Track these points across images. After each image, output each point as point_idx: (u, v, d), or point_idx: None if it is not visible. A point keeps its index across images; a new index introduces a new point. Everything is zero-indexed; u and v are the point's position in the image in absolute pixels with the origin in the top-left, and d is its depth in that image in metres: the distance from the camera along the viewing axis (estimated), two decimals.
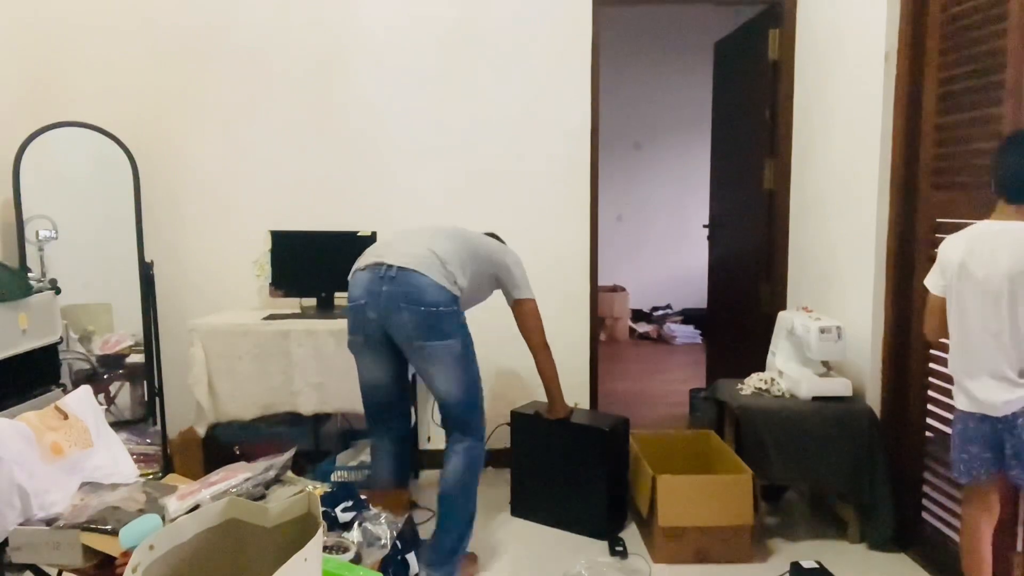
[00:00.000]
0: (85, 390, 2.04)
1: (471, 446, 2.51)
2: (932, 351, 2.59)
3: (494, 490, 3.32)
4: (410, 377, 2.68)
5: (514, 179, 3.54)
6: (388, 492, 2.78)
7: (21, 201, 3.06)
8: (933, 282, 2.14)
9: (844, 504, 2.85)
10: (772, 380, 2.99)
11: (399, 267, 2.31)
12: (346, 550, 1.66)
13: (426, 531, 2.95)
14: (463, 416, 2.48)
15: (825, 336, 2.78)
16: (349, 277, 2.47)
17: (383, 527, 1.75)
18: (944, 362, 2.53)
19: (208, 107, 3.50)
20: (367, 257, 2.44)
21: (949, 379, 2.49)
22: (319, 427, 3.45)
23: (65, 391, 2.75)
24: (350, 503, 1.80)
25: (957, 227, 2.47)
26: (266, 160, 3.52)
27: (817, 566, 2.52)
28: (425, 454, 3.61)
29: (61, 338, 2.92)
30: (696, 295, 6.37)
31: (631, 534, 2.92)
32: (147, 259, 3.29)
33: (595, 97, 3.53)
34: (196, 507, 1.55)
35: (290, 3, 3.45)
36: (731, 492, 2.64)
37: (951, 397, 2.47)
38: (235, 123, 3.51)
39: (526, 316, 2.63)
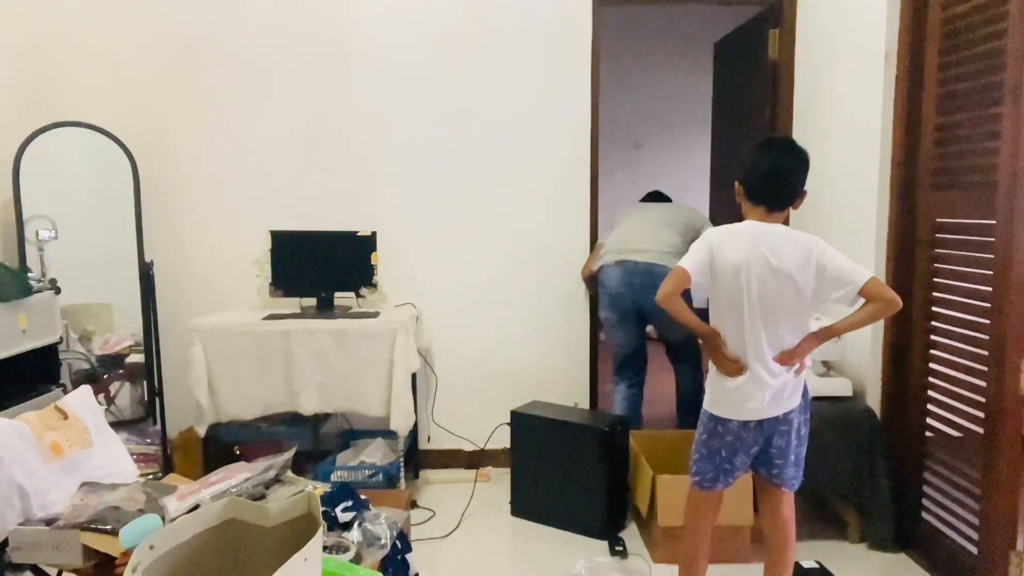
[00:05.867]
0: (85, 390, 2.04)
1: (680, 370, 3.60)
2: (933, 351, 2.59)
3: (494, 490, 3.32)
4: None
5: (514, 179, 3.54)
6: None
7: (21, 201, 3.06)
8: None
9: (844, 504, 2.84)
10: None
11: (645, 263, 3.23)
12: (346, 550, 1.66)
13: (426, 530, 2.96)
14: (681, 347, 3.52)
15: None
16: (595, 268, 3.42)
17: (383, 527, 1.75)
18: (943, 362, 2.54)
19: (208, 107, 3.50)
20: (612, 255, 3.34)
21: (949, 379, 2.50)
22: (319, 427, 3.45)
23: (65, 391, 2.75)
24: (350, 503, 1.80)
25: (957, 227, 2.49)
26: (266, 160, 3.52)
27: (817, 566, 2.52)
28: (425, 454, 3.61)
29: (61, 338, 2.92)
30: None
31: (631, 534, 2.92)
32: (147, 259, 3.28)
33: (595, 97, 3.53)
34: (196, 507, 1.55)
35: (290, 4, 3.45)
36: (731, 492, 2.63)
37: (952, 397, 2.48)
38: (235, 123, 3.51)
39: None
